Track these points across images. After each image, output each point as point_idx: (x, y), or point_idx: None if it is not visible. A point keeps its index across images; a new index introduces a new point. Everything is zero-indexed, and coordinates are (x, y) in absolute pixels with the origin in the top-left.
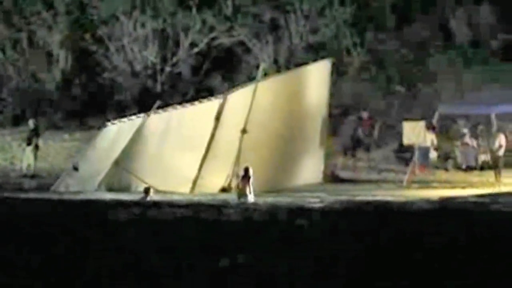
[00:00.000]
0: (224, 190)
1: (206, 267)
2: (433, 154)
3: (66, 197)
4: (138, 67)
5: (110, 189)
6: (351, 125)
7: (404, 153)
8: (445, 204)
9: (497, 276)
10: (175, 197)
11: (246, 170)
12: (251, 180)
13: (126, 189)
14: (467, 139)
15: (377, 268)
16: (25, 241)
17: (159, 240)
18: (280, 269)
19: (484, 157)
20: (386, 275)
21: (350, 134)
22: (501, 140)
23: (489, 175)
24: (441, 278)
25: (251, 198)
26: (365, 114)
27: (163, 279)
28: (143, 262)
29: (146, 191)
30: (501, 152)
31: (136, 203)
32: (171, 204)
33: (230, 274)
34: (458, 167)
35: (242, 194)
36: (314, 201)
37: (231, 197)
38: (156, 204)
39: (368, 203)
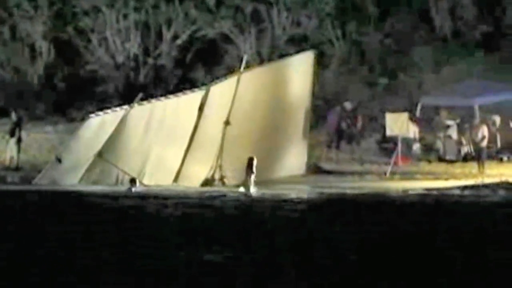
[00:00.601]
0: (207, 181)
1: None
2: (416, 146)
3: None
4: (120, 59)
5: (92, 181)
6: (334, 117)
7: (387, 145)
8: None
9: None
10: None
11: (250, 160)
12: (253, 170)
13: (109, 180)
14: (451, 131)
15: None
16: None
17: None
18: None
19: (466, 149)
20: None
21: (333, 126)
22: (484, 131)
23: (472, 166)
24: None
25: (252, 189)
26: (348, 105)
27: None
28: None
29: (132, 181)
30: (484, 144)
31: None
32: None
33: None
34: (440, 159)
35: (246, 185)
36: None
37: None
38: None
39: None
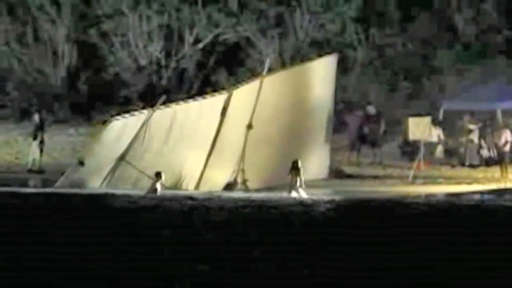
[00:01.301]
0: (229, 185)
1: None
2: (440, 149)
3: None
4: (143, 62)
5: (114, 184)
6: (356, 121)
7: (409, 149)
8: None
9: None
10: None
11: (295, 163)
12: (301, 172)
13: (131, 184)
14: (474, 136)
15: None
16: None
17: None
18: None
19: (489, 153)
20: None
21: (355, 130)
22: (507, 136)
23: (495, 171)
24: None
25: (300, 191)
26: (372, 109)
27: None
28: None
29: (158, 174)
30: (507, 148)
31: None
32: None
33: None
34: (463, 163)
35: (291, 187)
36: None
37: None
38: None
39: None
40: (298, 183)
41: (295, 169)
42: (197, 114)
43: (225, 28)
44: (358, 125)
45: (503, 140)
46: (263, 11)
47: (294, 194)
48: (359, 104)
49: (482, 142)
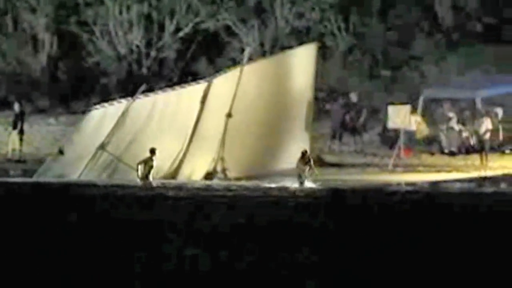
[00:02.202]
0: (209, 174)
1: None
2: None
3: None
4: (123, 51)
5: (94, 174)
6: (338, 109)
7: (389, 137)
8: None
9: None
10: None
11: (304, 153)
12: (311, 163)
13: (111, 172)
14: (453, 123)
15: None
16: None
17: None
18: None
19: (469, 141)
20: None
21: (337, 118)
22: (488, 124)
23: (474, 159)
24: None
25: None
26: (354, 97)
27: None
28: None
29: (152, 151)
30: (487, 136)
31: None
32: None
33: None
34: (443, 151)
35: (300, 176)
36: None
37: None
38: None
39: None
40: (307, 172)
41: (304, 158)
42: (177, 103)
43: (205, 17)
44: (340, 113)
45: (483, 128)
46: (243, 0)
47: (308, 183)
48: (339, 92)
49: (464, 130)
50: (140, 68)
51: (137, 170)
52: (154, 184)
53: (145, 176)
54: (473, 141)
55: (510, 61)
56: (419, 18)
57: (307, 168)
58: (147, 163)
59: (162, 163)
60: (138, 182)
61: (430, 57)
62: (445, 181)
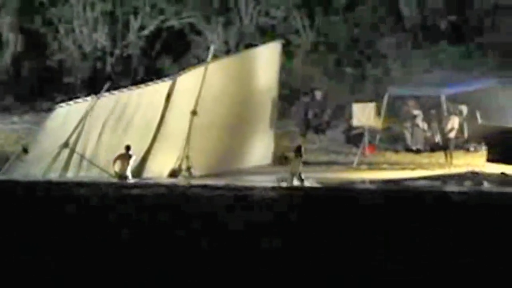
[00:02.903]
0: (174, 172)
1: None
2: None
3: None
4: (87, 49)
5: (58, 171)
6: (301, 106)
7: (353, 135)
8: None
9: None
10: None
11: (298, 148)
12: (301, 159)
13: (75, 171)
14: (418, 121)
15: None
16: None
17: None
18: None
19: (434, 139)
20: None
21: (302, 116)
22: (454, 123)
23: (439, 156)
24: None
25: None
26: (318, 95)
27: None
28: None
29: (128, 147)
30: (452, 135)
31: None
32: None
33: None
34: (407, 149)
35: (294, 172)
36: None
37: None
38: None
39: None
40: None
41: (298, 155)
42: (141, 101)
43: (169, 15)
44: (303, 110)
45: (449, 126)
46: None
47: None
48: (304, 90)
49: (429, 128)
50: (105, 66)
51: (113, 166)
52: (133, 181)
53: (122, 176)
54: (437, 138)
55: (474, 59)
56: (384, 15)
57: (300, 164)
58: (124, 159)
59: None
60: (114, 178)
61: (395, 55)
62: (409, 179)
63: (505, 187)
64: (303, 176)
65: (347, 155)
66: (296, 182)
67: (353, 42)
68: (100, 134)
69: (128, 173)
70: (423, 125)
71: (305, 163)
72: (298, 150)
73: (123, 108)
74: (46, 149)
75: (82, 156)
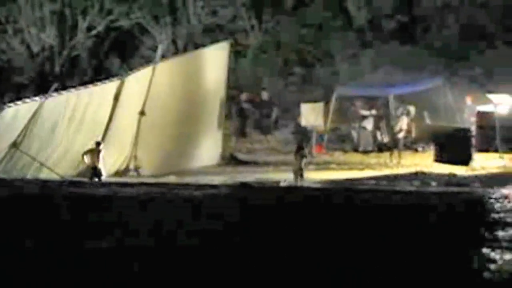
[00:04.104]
0: (121, 171)
1: None
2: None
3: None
4: (35, 49)
5: (6, 172)
6: (250, 107)
7: (302, 135)
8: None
9: None
10: None
11: (299, 147)
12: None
13: (24, 171)
14: (366, 122)
15: None
16: None
17: None
18: None
19: (382, 139)
20: None
21: (241, 116)
22: (403, 123)
23: (387, 156)
24: None
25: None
26: (265, 95)
27: None
28: None
29: (98, 144)
30: (401, 135)
31: None
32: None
33: None
34: (355, 149)
35: (296, 171)
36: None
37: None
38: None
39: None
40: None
41: (300, 151)
42: (90, 101)
43: (118, 15)
44: (250, 111)
45: (398, 127)
46: None
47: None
48: (252, 90)
49: (378, 128)
50: (53, 66)
51: (82, 160)
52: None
53: (95, 168)
54: (386, 139)
55: (422, 59)
56: (332, 15)
57: (303, 161)
58: (94, 153)
59: (75, 161)
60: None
61: (344, 55)
62: (357, 179)
63: (451, 187)
64: (300, 174)
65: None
66: (299, 181)
67: (301, 42)
68: (50, 135)
69: (101, 166)
70: (371, 126)
71: (254, 163)
72: (298, 150)
73: (71, 109)
74: None
75: (31, 157)
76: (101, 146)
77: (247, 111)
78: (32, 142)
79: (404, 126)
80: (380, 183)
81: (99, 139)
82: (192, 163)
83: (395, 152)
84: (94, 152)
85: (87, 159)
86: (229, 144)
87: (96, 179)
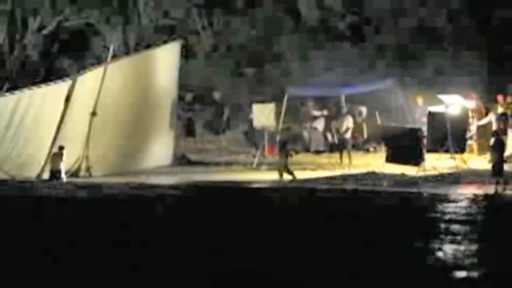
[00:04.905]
0: (73, 172)
1: None
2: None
3: None
4: None
5: None
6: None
7: (253, 135)
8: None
9: None
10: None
11: (284, 144)
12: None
13: None
14: (317, 122)
15: None
16: None
17: None
18: None
19: (332, 140)
20: None
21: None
22: (348, 123)
23: (338, 157)
24: None
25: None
26: (217, 95)
27: None
28: None
29: (61, 148)
30: (348, 135)
31: None
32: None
33: None
34: (307, 149)
35: (280, 170)
36: None
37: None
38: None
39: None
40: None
41: (283, 151)
42: (41, 101)
43: (69, 14)
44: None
45: (344, 127)
46: None
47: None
48: (203, 90)
49: (328, 128)
50: (3, 66)
51: (45, 165)
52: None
53: (56, 171)
54: (335, 139)
55: (373, 60)
56: (283, 15)
57: (286, 160)
58: (57, 157)
59: (25, 162)
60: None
61: (295, 55)
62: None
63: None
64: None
65: (247, 155)
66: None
67: (253, 43)
68: (2, 136)
69: (62, 168)
70: (322, 126)
71: (206, 164)
72: (282, 147)
73: (22, 109)
74: None
75: None
76: (64, 150)
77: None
78: None
79: (350, 125)
80: (332, 182)
81: (51, 139)
82: (144, 164)
83: (345, 152)
84: (58, 155)
85: (52, 163)
86: (180, 143)
87: (57, 180)
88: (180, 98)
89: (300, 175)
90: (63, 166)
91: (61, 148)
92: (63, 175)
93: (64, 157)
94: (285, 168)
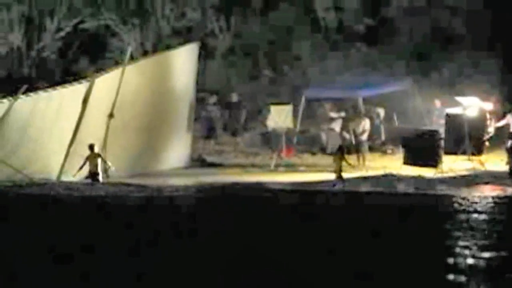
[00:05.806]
0: (91, 175)
1: None
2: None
3: None
4: (3, 51)
5: None
6: (217, 110)
7: (270, 137)
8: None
9: None
10: None
11: (341, 147)
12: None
13: None
14: (334, 124)
15: None
16: None
17: None
18: None
19: (349, 142)
20: None
21: (207, 119)
22: (365, 125)
23: (354, 159)
24: None
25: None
26: (234, 97)
27: None
28: None
29: (91, 147)
30: (364, 137)
31: None
32: None
33: None
34: (324, 151)
35: (336, 171)
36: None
37: None
38: None
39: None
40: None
41: (341, 153)
42: (59, 103)
43: (86, 16)
44: (219, 113)
45: (360, 129)
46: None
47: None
48: (221, 92)
49: (344, 131)
50: (21, 68)
51: (81, 168)
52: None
53: (94, 174)
54: (352, 141)
55: (391, 62)
56: (300, 18)
57: (341, 163)
58: (91, 160)
59: (43, 165)
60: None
61: (312, 57)
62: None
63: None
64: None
65: (264, 157)
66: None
67: (270, 45)
68: (18, 138)
69: (100, 170)
70: (339, 128)
71: (223, 166)
72: (338, 151)
73: (40, 111)
74: None
75: (0, 160)
76: (96, 149)
77: (214, 113)
78: (2, 145)
79: (367, 127)
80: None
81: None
82: (161, 165)
83: (360, 154)
84: (91, 156)
85: (90, 166)
86: (199, 146)
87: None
88: (202, 99)
89: (316, 177)
90: (101, 167)
91: (91, 147)
92: (100, 177)
93: (100, 158)
94: (339, 171)
